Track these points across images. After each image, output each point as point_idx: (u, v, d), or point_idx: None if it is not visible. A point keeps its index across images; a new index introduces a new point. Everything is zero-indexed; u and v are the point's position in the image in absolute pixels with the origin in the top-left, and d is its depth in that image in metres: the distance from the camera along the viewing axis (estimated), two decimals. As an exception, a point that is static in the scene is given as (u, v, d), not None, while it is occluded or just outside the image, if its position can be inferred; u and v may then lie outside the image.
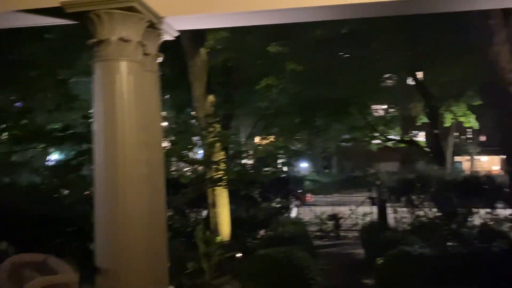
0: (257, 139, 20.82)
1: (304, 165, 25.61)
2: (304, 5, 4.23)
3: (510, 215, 11.14)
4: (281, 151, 16.70)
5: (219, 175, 9.52)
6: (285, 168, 17.34)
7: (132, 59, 4.52)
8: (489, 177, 12.54)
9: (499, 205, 11.88)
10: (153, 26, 4.75)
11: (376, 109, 19.55)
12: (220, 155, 9.98)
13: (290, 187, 15.71)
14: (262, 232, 12.07)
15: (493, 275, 8.19)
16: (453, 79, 14.66)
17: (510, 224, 10.95)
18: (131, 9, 4.39)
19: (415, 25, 12.93)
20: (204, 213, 11.86)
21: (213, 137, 9.59)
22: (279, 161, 16.53)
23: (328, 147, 20.82)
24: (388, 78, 18.36)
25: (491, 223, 11.40)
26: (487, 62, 10.69)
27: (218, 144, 9.76)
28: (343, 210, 15.75)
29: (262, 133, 18.87)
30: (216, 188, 10.09)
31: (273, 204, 14.06)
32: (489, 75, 10.88)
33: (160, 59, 5.08)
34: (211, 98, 11.29)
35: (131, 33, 4.49)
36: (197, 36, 10.95)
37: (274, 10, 4.42)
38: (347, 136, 19.67)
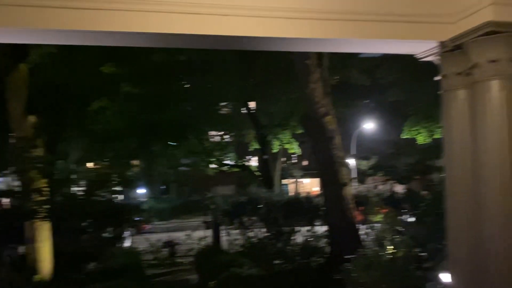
0: (91, 165, 19.40)
1: (141, 191, 24.79)
2: (127, 30, 4.10)
3: (325, 231, 12.56)
4: (116, 177, 15.84)
5: (35, 207, 8.48)
6: (120, 195, 16.48)
7: None
8: (309, 198, 14.08)
9: (317, 222, 13.36)
10: None
11: (213, 135, 20.26)
12: (40, 183, 8.95)
13: (125, 215, 14.98)
14: (91, 265, 11.18)
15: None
16: (279, 110, 16.22)
17: (326, 240, 12.35)
18: None
19: (248, 60, 13.99)
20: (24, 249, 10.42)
21: (31, 162, 8.55)
22: (114, 188, 15.64)
23: (166, 172, 20.63)
24: (224, 106, 19.30)
25: (311, 240, 12.69)
26: (306, 97, 12.11)
27: (37, 171, 8.73)
28: (180, 236, 15.65)
29: (95, 158, 17.68)
30: (35, 220, 8.98)
31: (105, 234, 13.17)
32: (307, 108, 12.28)
33: None
34: (32, 119, 10.13)
35: None
36: (16, 50, 9.78)
37: (93, 32, 4.16)
38: (185, 161, 19.82)
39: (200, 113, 16.20)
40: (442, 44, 4.56)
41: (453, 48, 4.51)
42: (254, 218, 12.92)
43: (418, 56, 4.98)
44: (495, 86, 4.21)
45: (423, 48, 4.79)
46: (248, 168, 19.82)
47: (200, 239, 14.84)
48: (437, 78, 4.87)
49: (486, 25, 4.09)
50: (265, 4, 4.15)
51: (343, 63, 14.61)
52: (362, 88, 17.36)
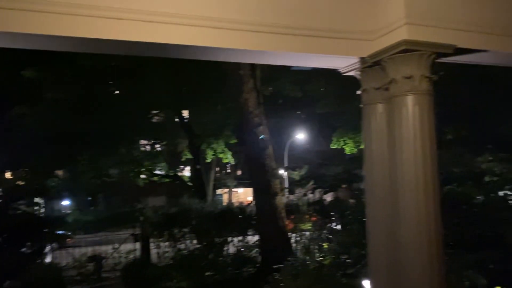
0: (8, 175, 18.10)
1: (65, 203, 23.41)
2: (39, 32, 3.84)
3: (257, 241, 12.63)
4: (36, 188, 14.86)
5: None
6: (42, 208, 15.45)
7: None
8: (241, 208, 14.07)
9: (250, 232, 13.40)
10: None
11: (143, 144, 19.70)
12: None
13: (46, 229, 14.07)
14: (7, 284, 10.40)
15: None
16: (213, 119, 16.15)
17: (257, 250, 12.42)
18: None
19: (181, 68, 13.78)
20: None
21: None
22: (34, 199, 14.66)
23: (92, 182, 19.69)
24: (156, 115, 18.86)
25: (243, 250, 12.70)
26: (239, 107, 12.18)
27: None
28: (107, 249, 14.96)
29: (13, 167, 16.49)
30: None
31: (24, 250, 12.28)
32: (241, 118, 12.36)
33: None
34: None
35: None
36: None
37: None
38: (113, 171, 19.05)
39: (129, 121, 15.70)
40: (362, 60, 4.79)
41: (372, 64, 4.74)
42: (185, 229, 12.70)
43: (341, 70, 5.18)
44: (409, 101, 4.49)
45: (345, 63, 4.99)
46: (180, 178, 19.48)
47: (128, 252, 14.29)
48: (358, 92, 5.09)
49: (400, 43, 4.35)
50: (196, 13, 4.12)
51: (276, 74, 14.91)
52: (294, 100, 17.82)
